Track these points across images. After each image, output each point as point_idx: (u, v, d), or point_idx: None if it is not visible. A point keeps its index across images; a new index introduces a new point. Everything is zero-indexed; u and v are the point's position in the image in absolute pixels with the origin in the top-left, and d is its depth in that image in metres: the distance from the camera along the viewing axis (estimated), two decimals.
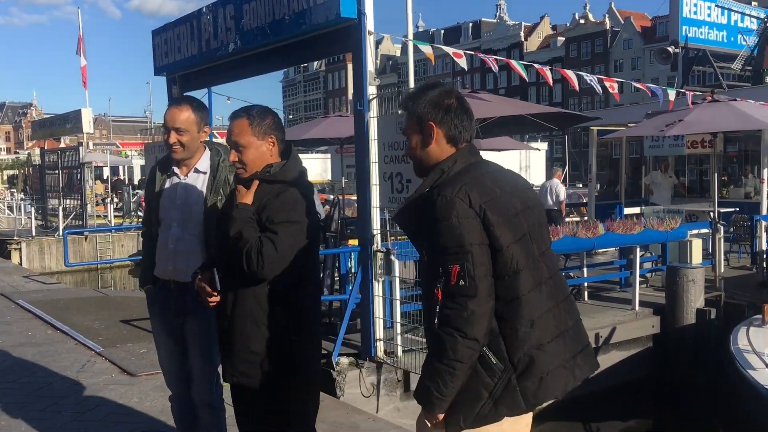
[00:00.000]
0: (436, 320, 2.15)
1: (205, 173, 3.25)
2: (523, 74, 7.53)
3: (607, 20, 71.28)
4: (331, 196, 14.58)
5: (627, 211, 12.24)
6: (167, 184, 3.31)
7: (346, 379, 5.89)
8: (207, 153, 3.31)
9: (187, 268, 3.13)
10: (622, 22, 70.06)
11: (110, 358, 6.11)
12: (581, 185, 31.79)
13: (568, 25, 76.61)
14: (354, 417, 4.77)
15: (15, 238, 17.36)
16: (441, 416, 2.22)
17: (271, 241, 2.63)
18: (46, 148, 22.89)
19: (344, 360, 5.95)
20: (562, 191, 13.74)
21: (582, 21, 73.62)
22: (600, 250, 11.26)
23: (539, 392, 2.20)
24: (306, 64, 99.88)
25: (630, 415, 7.83)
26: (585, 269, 9.11)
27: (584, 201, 18.13)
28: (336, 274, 7.45)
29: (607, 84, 8.77)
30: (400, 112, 2.56)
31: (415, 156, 2.40)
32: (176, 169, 3.30)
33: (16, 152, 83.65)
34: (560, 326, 2.27)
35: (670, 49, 19.28)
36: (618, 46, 69.76)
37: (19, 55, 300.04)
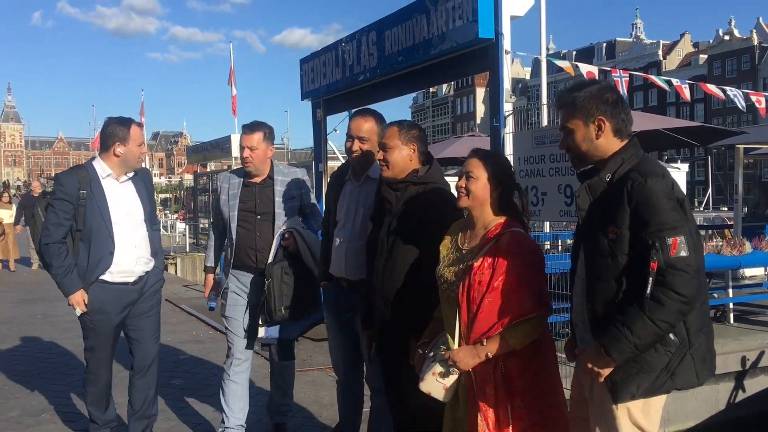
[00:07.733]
0: (649, 289, 2.23)
1: (375, 179, 3.50)
2: (663, 86, 7.45)
3: (754, 35, 66.88)
4: None
5: None
6: (345, 189, 3.64)
7: None
8: None
9: (354, 267, 3.45)
10: None
11: (265, 355, 6.63)
12: (725, 209, 29.98)
13: (711, 42, 72.60)
14: None
15: (171, 253, 18.96)
16: (609, 371, 2.33)
17: None
18: (198, 171, 24.89)
19: None
20: None
21: (726, 37, 69.52)
22: (747, 273, 10.69)
23: (706, 371, 2.36)
24: (435, 90, 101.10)
25: None
26: (730, 290, 8.74)
27: (729, 224, 17.14)
28: None
29: (753, 98, 8.46)
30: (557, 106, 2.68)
31: (580, 149, 2.53)
32: (352, 176, 3.62)
33: (168, 177, 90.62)
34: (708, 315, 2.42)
35: None
36: (767, 63, 65.20)
37: (173, 89, 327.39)
